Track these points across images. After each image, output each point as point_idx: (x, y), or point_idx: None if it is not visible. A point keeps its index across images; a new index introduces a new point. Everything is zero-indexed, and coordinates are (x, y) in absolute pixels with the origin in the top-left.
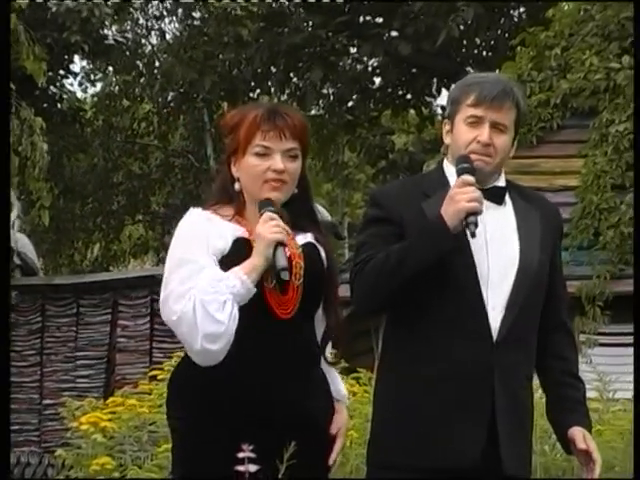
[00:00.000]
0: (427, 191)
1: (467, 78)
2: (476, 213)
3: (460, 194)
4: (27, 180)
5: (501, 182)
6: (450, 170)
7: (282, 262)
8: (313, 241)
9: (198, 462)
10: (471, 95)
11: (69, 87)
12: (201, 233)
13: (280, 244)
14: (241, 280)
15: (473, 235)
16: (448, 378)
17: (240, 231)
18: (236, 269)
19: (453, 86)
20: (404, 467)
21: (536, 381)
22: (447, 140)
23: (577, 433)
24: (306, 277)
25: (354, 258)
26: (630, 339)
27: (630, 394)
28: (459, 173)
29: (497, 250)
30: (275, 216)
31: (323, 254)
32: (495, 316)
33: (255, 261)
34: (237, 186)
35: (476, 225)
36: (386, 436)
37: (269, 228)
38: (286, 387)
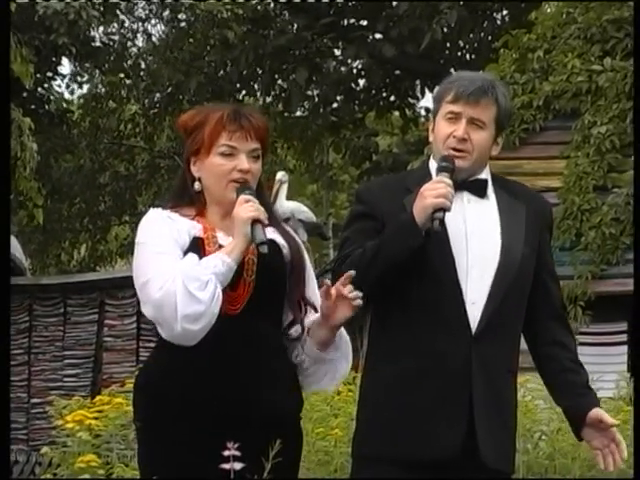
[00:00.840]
0: (410, 186)
1: (450, 76)
2: (443, 209)
3: (429, 190)
4: (17, 180)
5: (483, 175)
6: (434, 166)
7: (260, 237)
8: (272, 236)
9: (163, 462)
10: (451, 92)
11: (57, 89)
12: (167, 229)
13: (257, 222)
14: (222, 260)
15: (436, 231)
16: (428, 372)
17: (197, 229)
18: (216, 252)
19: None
20: (385, 459)
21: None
22: (431, 137)
23: (601, 412)
24: (260, 273)
25: (337, 254)
26: (611, 338)
27: (611, 393)
28: (438, 171)
29: (477, 243)
30: (250, 197)
31: (285, 250)
32: (474, 310)
33: (235, 241)
34: (197, 186)
35: (441, 221)
36: (369, 429)
37: (245, 208)
38: (237, 383)
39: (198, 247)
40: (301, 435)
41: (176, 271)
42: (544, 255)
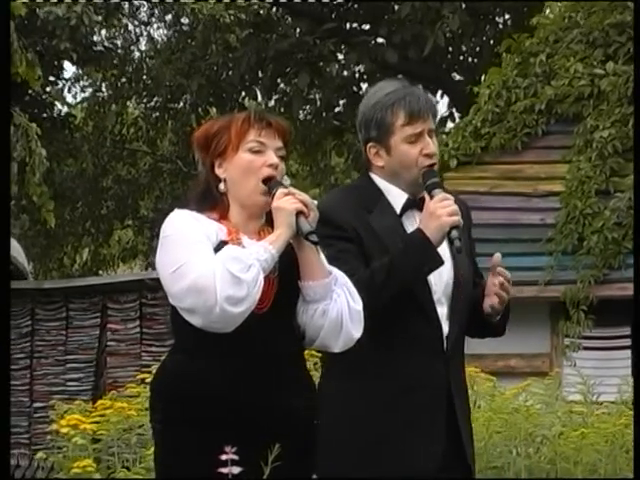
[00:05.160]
0: (367, 206)
1: (380, 98)
2: (458, 227)
3: (440, 208)
4: (27, 186)
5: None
6: (382, 183)
7: (307, 227)
8: None
9: (178, 465)
10: (400, 114)
11: (59, 93)
12: (199, 225)
13: (301, 213)
14: (264, 247)
15: (459, 251)
16: (412, 390)
17: (223, 232)
18: (259, 241)
19: (365, 109)
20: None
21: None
22: (380, 162)
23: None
24: (283, 269)
25: None
26: (614, 343)
27: (613, 397)
28: (430, 188)
29: None
30: (287, 191)
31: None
32: (444, 326)
33: (279, 231)
34: (222, 187)
35: (460, 239)
36: (350, 449)
37: (288, 200)
38: (263, 387)
39: None
40: (316, 442)
41: (217, 257)
42: (474, 260)
